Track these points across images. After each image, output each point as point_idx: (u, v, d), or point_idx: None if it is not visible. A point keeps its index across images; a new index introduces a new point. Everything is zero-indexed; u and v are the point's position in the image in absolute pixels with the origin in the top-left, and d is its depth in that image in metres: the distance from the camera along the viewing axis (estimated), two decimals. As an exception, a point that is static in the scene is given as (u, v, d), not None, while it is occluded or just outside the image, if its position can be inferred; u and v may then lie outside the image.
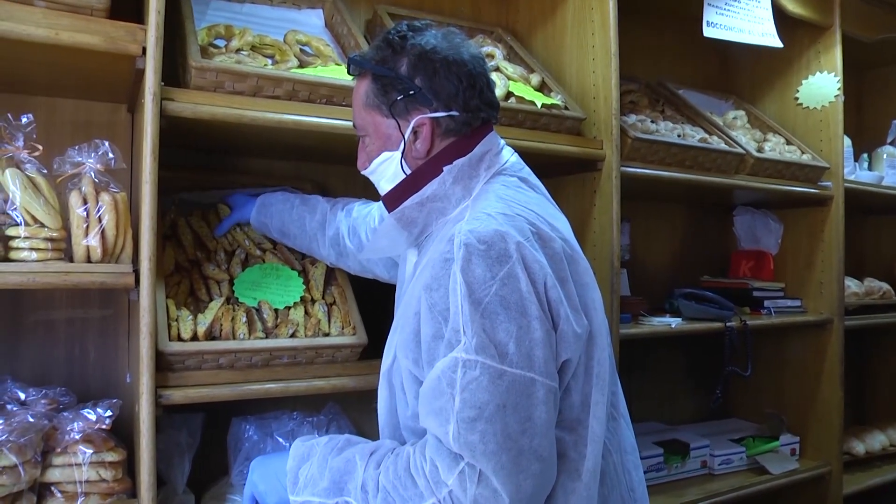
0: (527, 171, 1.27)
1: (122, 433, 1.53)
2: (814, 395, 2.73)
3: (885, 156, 3.28)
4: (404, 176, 1.23)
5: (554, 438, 1.05)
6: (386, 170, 1.25)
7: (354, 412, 1.91)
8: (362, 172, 1.33)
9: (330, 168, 2.03)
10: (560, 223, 1.19)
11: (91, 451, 1.39)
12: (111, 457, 1.42)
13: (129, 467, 1.47)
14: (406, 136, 1.21)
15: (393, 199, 1.24)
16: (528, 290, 1.03)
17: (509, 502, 0.98)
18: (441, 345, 1.04)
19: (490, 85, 1.26)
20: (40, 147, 1.36)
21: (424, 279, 1.09)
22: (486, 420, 0.98)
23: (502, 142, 1.28)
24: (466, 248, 1.04)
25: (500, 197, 1.14)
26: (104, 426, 1.42)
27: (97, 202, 1.34)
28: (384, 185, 1.28)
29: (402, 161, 1.22)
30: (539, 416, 1.01)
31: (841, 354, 2.68)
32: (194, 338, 1.46)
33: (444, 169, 1.19)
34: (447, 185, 1.19)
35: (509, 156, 1.26)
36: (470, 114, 1.21)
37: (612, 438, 1.19)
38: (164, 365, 1.41)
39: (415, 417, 1.12)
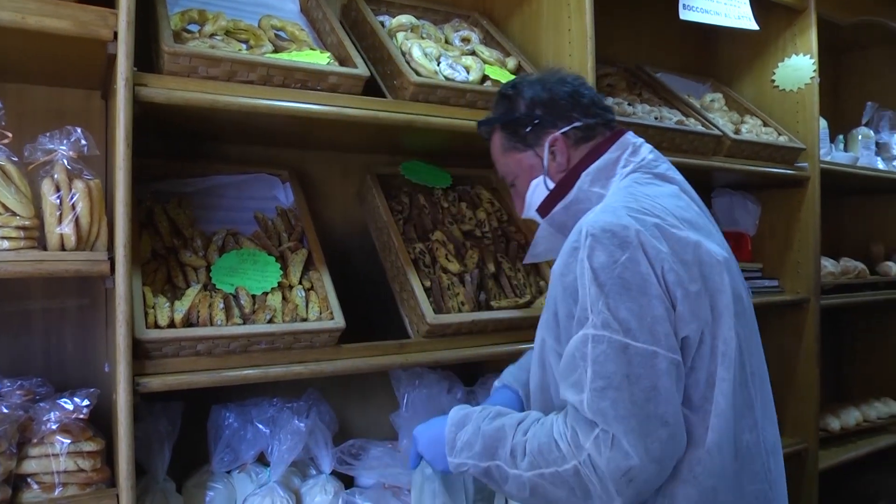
0: (664, 167, 1.37)
1: (101, 423, 1.52)
2: (791, 374, 2.77)
3: (860, 137, 3.32)
4: (549, 191, 1.40)
5: (679, 406, 1.14)
6: (538, 195, 1.42)
7: (335, 397, 1.92)
8: (524, 216, 1.50)
9: (307, 153, 2.02)
10: (691, 213, 1.29)
11: (69, 442, 1.38)
12: (89, 446, 1.41)
13: (109, 457, 1.46)
14: (545, 158, 1.39)
15: (544, 209, 1.42)
16: (648, 272, 1.13)
17: (639, 462, 1.08)
18: (573, 323, 1.17)
19: (597, 94, 1.44)
20: (9, 134, 1.34)
21: (558, 266, 1.23)
22: (615, 388, 1.09)
23: (640, 141, 1.40)
24: (592, 238, 1.16)
25: (629, 192, 1.27)
26: (82, 416, 1.41)
27: (70, 190, 1.32)
28: (536, 204, 1.44)
29: (546, 178, 1.40)
30: (663, 385, 1.10)
31: (817, 333, 2.72)
32: (171, 325, 1.45)
33: (582, 174, 1.35)
34: (586, 187, 1.35)
35: (646, 153, 1.37)
36: (591, 119, 1.38)
37: (746, 419, 1.23)
38: (141, 353, 1.40)
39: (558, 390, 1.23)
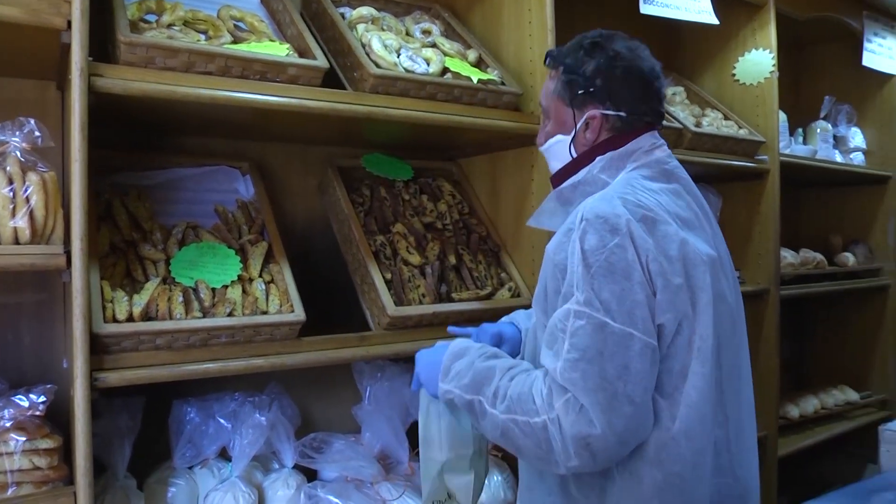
0: (672, 165, 1.40)
1: (60, 420, 1.50)
2: (753, 363, 2.79)
3: (818, 130, 3.38)
4: (570, 159, 1.43)
5: (649, 389, 1.19)
6: (557, 151, 1.45)
7: (298, 391, 1.91)
8: (539, 149, 1.53)
9: (267, 146, 2.01)
10: (687, 212, 1.33)
11: (24, 439, 1.36)
12: (46, 444, 1.39)
13: (68, 455, 1.44)
14: (578, 125, 1.40)
15: (557, 179, 1.46)
16: (634, 259, 1.19)
17: (600, 433, 1.14)
18: (559, 298, 1.24)
19: (660, 97, 1.44)
20: (-41, 126, 1.32)
21: (552, 245, 1.30)
22: (587, 361, 1.16)
23: (660, 142, 1.42)
24: (586, 222, 1.22)
25: (629, 184, 1.31)
26: (38, 413, 1.39)
27: (24, 182, 1.30)
28: (553, 164, 1.48)
29: (571, 145, 1.42)
30: (635, 367, 1.16)
31: (777, 323, 2.77)
32: (130, 319, 1.43)
33: (597, 158, 1.39)
34: (594, 173, 1.39)
35: (661, 154, 1.40)
36: (636, 116, 1.39)
37: (717, 415, 1.28)
38: (99, 347, 1.38)
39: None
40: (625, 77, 1.38)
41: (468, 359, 1.35)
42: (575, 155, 1.43)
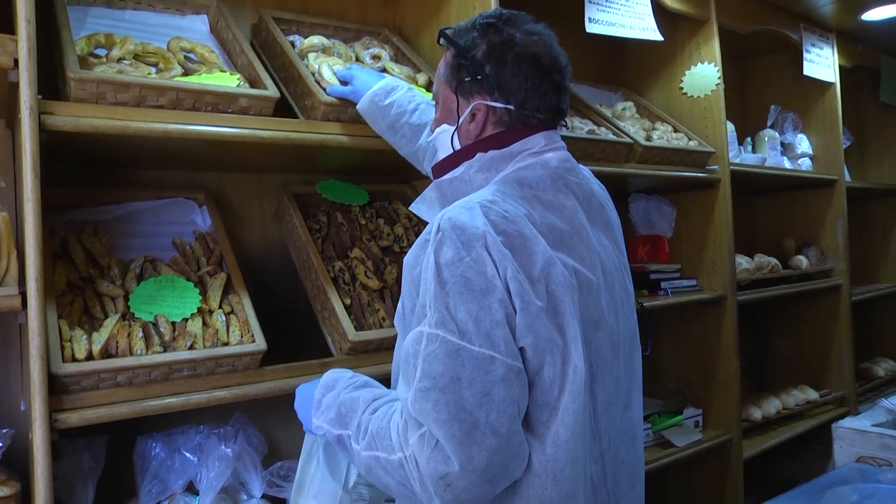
0: (565, 169, 1.27)
1: (17, 464, 1.47)
2: (713, 368, 2.88)
3: (766, 139, 3.48)
4: (452, 151, 1.31)
5: (517, 416, 1.07)
6: (443, 140, 1.33)
7: (263, 420, 1.90)
8: (428, 139, 1.48)
9: (223, 176, 2.01)
10: (565, 226, 1.20)
11: (-21, 487, 1.34)
12: (3, 491, 1.36)
13: (27, 500, 1.41)
14: (463, 116, 1.28)
15: (438, 170, 1.34)
16: (493, 275, 1.08)
17: (459, 470, 1.03)
18: (414, 319, 1.13)
19: (560, 92, 1.28)
20: None
21: (409, 258, 1.18)
22: (440, 390, 1.04)
23: (558, 145, 1.29)
24: (443, 233, 1.11)
25: (499, 190, 1.19)
26: (-7, 458, 1.37)
27: (-26, 224, 1.29)
28: (439, 154, 1.37)
29: (454, 135, 1.30)
30: (498, 393, 1.04)
31: (735, 328, 2.83)
32: (90, 357, 1.42)
33: (477, 154, 1.26)
34: (471, 172, 1.26)
35: (552, 157, 1.27)
36: (526, 111, 1.25)
37: (592, 450, 1.19)
38: (58, 388, 1.37)
39: None
40: (517, 65, 1.23)
41: (336, 391, 1.27)
42: (458, 147, 1.30)
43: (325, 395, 1.28)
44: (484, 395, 1.04)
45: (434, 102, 1.40)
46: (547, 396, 1.11)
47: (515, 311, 1.09)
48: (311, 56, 1.86)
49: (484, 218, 1.11)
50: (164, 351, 1.50)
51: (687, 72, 2.91)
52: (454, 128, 1.30)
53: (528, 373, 1.10)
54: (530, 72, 1.24)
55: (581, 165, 1.35)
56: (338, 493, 1.38)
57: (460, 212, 1.13)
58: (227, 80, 1.63)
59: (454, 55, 1.30)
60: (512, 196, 1.19)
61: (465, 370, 1.04)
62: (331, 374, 1.33)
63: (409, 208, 1.47)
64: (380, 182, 2.19)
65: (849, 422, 1.94)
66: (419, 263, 1.14)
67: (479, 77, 1.25)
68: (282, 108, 1.70)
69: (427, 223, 1.22)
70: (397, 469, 1.10)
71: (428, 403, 1.05)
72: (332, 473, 1.37)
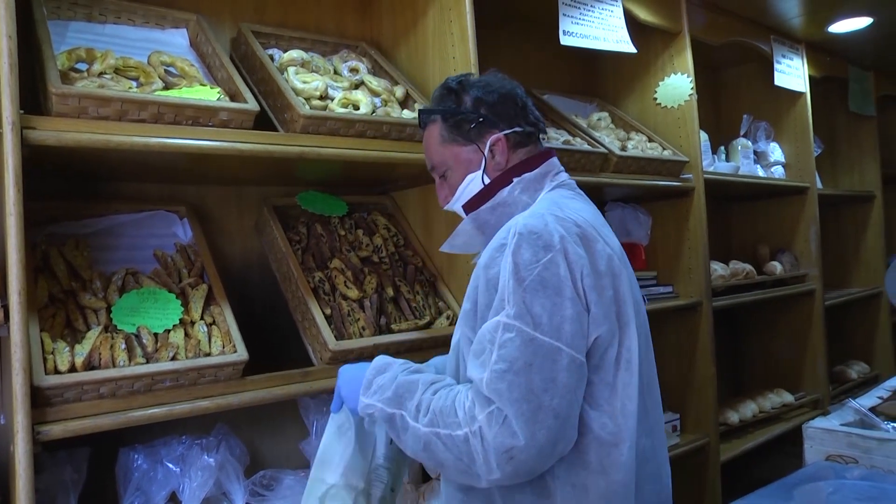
0: (577, 189, 1.49)
1: (-3, 479, 1.47)
2: (690, 374, 2.92)
3: (739, 147, 3.55)
4: (482, 186, 1.46)
5: (575, 402, 1.21)
6: (472, 190, 1.48)
7: (245, 429, 1.91)
8: (446, 207, 1.55)
9: (204, 189, 2.02)
10: (606, 230, 1.40)
11: (-44, 505, 1.34)
12: (-18, 506, 1.37)
13: (7, 514, 1.42)
14: (486, 154, 1.45)
15: (471, 205, 1.48)
16: (566, 275, 1.22)
17: (523, 444, 1.15)
18: (490, 312, 1.25)
19: (533, 109, 1.51)
20: None
21: (483, 260, 1.32)
22: (514, 373, 1.17)
23: (562, 168, 1.50)
24: (519, 237, 1.25)
25: (556, 202, 1.36)
26: (-27, 474, 1.37)
27: (-44, 239, 1.30)
28: (466, 199, 1.50)
29: (484, 175, 1.46)
30: (562, 380, 1.18)
31: (711, 333, 2.88)
32: (73, 369, 1.43)
33: (514, 180, 1.43)
34: (515, 194, 1.43)
35: (565, 177, 1.48)
36: (531, 126, 1.47)
37: (643, 424, 1.32)
38: (41, 401, 1.37)
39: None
40: (502, 100, 1.46)
41: (391, 373, 1.36)
42: (489, 181, 1.46)
43: (377, 377, 1.37)
44: (550, 381, 1.18)
45: (440, 176, 1.53)
46: (611, 375, 1.26)
47: (589, 306, 1.23)
48: (291, 70, 1.89)
49: (558, 225, 1.27)
50: (147, 362, 1.52)
51: (661, 83, 2.97)
52: (481, 170, 1.46)
53: (596, 356, 1.25)
54: (511, 101, 1.47)
55: None
56: (366, 470, 1.46)
57: (534, 220, 1.28)
58: (208, 94, 1.65)
59: (446, 118, 1.48)
60: (567, 206, 1.35)
61: (537, 358, 1.18)
62: (382, 359, 1.42)
63: (441, 249, 1.59)
64: (359, 193, 2.21)
65: (818, 422, 1.99)
66: (496, 264, 1.27)
67: (481, 119, 1.45)
68: (262, 122, 1.72)
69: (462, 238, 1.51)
70: (461, 444, 1.20)
71: (503, 384, 1.17)
72: (362, 451, 1.45)
